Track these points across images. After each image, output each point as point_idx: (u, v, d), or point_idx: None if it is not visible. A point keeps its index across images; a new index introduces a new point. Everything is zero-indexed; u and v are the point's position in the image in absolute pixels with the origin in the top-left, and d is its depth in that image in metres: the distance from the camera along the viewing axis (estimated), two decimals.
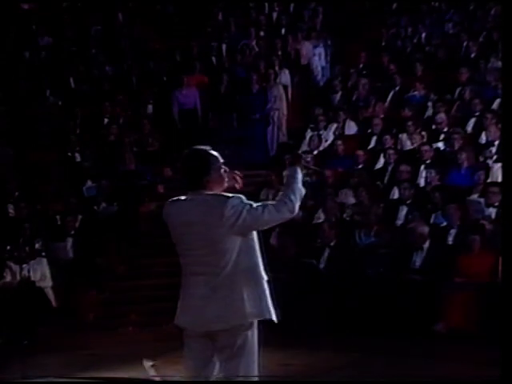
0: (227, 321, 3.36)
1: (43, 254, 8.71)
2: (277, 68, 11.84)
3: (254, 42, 12.69)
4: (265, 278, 3.48)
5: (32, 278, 8.18)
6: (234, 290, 3.35)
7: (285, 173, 3.59)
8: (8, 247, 8.57)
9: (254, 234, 3.46)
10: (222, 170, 3.47)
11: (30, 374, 6.10)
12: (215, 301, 3.35)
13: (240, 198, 3.39)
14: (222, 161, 3.48)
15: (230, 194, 3.42)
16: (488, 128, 9.45)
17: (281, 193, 3.52)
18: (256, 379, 3.43)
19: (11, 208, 9.61)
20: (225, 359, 3.40)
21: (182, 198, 3.50)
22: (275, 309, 3.49)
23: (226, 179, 3.50)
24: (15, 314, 7.84)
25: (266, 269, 3.51)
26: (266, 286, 3.47)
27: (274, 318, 3.47)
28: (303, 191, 3.48)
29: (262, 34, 12.91)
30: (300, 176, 3.49)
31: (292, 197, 3.41)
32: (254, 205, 3.40)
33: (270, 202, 3.46)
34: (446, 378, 5.72)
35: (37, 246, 8.82)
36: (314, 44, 12.45)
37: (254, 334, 3.43)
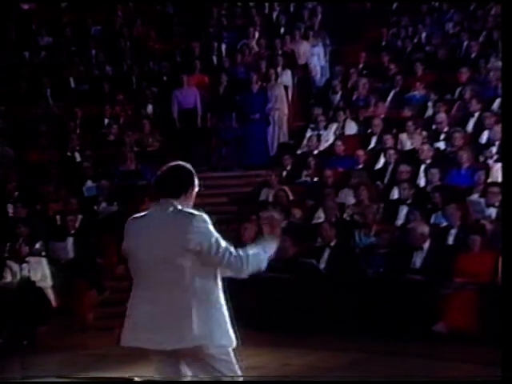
0: (178, 341, 3.28)
1: (43, 253, 8.70)
2: (279, 68, 11.83)
3: (253, 42, 12.68)
4: (221, 303, 3.38)
5: (32, 278, 8.17)
6: (186, 311, 3.28)
7: (264, 234, 3.51)
8: (7, 247, 8.56)
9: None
10: (195, 191, 3.51)
11: (30, 374, 6.10)
12: (168, 318, 3.29)
13: (207, 221, 3.34)
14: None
15: (197, 213, 3.37)
16: (488, 128, 9.45)
17: (249, 251, 3.41)
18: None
19: (11, 208, 9.61)
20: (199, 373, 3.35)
21: (146, 212, 3.50)
22: (234, 333, 3.39)
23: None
24: (15, 314, 7.83)
25: (225, 293, 3.43)
26: (221, 311, 3.36)
27: (226, 343, 3.35)
28: (263, 266, 3.44)
29: (262, 33, 12.90)
30: (271, 252, 3.46)
31: (251, 265, 3.38)
32: (220, 240, 3.34)
33: (232, 250, 3.38)
34: (445, 378, 5.72)
35: (37, 245, 8.81)
36: (312, 44, 12.45)
37: (220, 357, 3.33)
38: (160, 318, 3.31)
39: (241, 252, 3.40)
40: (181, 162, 3.57)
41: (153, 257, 3.35)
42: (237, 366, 3.39)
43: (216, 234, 3.36)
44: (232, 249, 3.39)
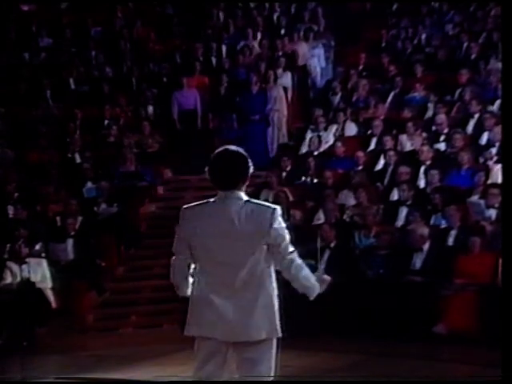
0: (248, 333, 3.33)
1: (43, 255, 8.70)
2: (279, 69, 11.84)
3: (253, 43, 12.69)
4: (275, 294, 3.48)
5: (32, 279, 8.17)
6: (256, 303, 3.33)
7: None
8: (7, 248, 8.56)
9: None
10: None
11: (30, 375, 6.09)
12: (238, 310, 3.32)
13: (280, 212, 3.38)
14: None
15: (275, 206, 3.39)
16: (488, 129, 9.46)
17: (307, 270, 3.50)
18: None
19: (11, 209, 9.61)
20: (243, 370, 3.37)
21: (212, 201, 3.41)
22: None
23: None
24: (15, 315, 7.83)
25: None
26: (277, 303, 3.48)
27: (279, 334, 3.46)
28: (311, 291, 3.52)
29: (262, 35, 12.90)
30: (318, 288, 3.53)
31: (305, 280, 3.48)
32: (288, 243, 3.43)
33: (297, 256, 3.48)
34: (445, 379, 5.72)
35: (37, 247, 8.81)
36: (312, 45, 12.45)
37: (274, 350, 3.43)
38: (230, 309, 3.31)
39: (303, 264, 3.46)
40: (234, 148, 3.44)
41: (229, 248, 3.31)
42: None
43: (287, 235, 3.41)
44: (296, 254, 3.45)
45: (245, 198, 3.38)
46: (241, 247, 3.32)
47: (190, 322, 3.41)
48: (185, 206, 3.46)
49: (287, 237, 3.40)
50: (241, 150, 3.45)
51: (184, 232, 3.42)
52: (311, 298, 3.51)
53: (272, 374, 3.40)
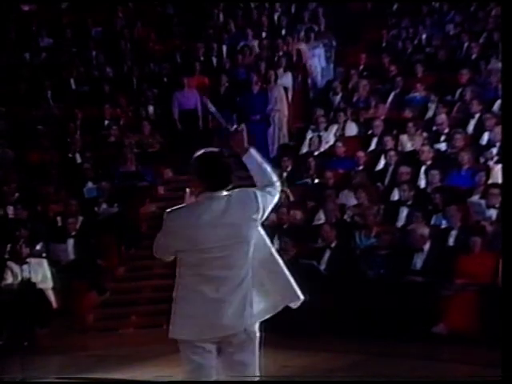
0: (242, 322, 3.32)
1: (44, 255, 8.71)
2: (280, 69, 11.84)
3: (254, 43, 12.69)
4: (279, 263, 3.49)
5: (32, 279, 8.17)
6: (249, 291, 3.34)
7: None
8: (8, 248, 8.57)
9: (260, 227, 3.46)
10: None
11: (30, 375, 6.10)
12: (234, 303, 3.30)
13: (255, 190, 3.46)
14: None
15: (248, 189, 3.45)
16: (489, 129, 9.46)
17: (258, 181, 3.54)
18: (257, 379, 3.41)
19: (11, 210, 9.62)
20: (228, 360, 3.36)
21: (190, 205, 3.42)
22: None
23: None
24: (15, 315, 7.84)
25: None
26: (281, 271, 3.48)
27: (295, 302, 3.54)
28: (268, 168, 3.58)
29: (262, 35, 12.91)
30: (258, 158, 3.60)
31: (272, 176, 3.56)
32: (264, 192, 3.49)
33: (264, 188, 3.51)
34: (445, 379, 5.72)
35: (37, 247, 8.82)
36: (312, 45, 12.46)
37: (258, 334, 3.44)
38: (224, 305, 3.30)
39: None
40: (217, 151, 3.49)
41: (221, 242, 3.30)
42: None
43: (260, 192, 3.45)
44: (266, 189, 3.51)
45: (225, 192, 3.43)
46: (232, 242, 3.33)
47: (179, 324, 3.36)
48: (168, 210, 3.42)
49: (266, 196, 3.47)
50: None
51: (170, 236, 3.38)
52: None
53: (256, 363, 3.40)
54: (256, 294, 3.37)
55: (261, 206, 3.39)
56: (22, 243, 8.42)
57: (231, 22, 13.24)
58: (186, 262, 3.37)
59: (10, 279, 8.17)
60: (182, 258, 3.39)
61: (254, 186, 3.56)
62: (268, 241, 3.47)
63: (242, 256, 3.34)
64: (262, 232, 3.47)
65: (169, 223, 3.38)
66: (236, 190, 3.43)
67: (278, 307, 3.47)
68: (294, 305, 3.55)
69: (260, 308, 3.39)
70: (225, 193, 3.41)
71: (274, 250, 3.49)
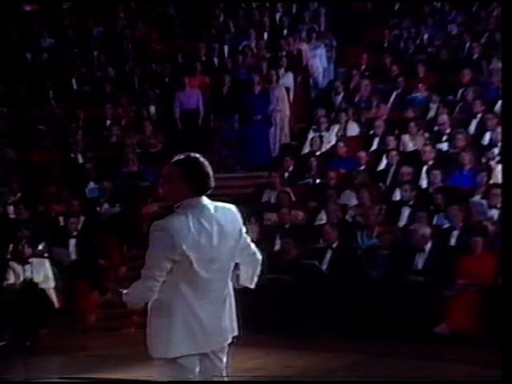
0: (231, 332, 3.35)
1: (46, 255, 8.73)
2: (282, 70, 11.85)
3: (255, 44, 12.71)
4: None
5: (35, 279, 8.20)
6: (232, 301, 3.37)
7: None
8: (10, 248, 8.59)
9: None
10: None
11: (33, 375, 6.12)
12: (225, 314, 3.32)
13: None
14: None
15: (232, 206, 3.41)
16: (490, 129, 9.46)
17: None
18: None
19: (12, 210, 9.64)
20: (207, 365, 3.33)
21: (181, 211, 3.25)
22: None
23: None
24: (17, 315, 7.86)
25: None
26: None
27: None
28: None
29: (264, 35, 12.92)
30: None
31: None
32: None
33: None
34: (445, 379, 5.73)
35: (40, 247, 8.84)
36: (314, 45, 12.46)
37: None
38: (220, 316, 3.30)
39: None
40: (196, 154, 3.35)
41: (215, 255, 3.25)
42: None
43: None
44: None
45: (209, 201, 3.34)
46: (225, 251, 3.29)
47: (176, 342, 3.22)
48: (157, 222, 3.24)
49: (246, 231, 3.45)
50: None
51: (167, 247, 3.18)
52: (248, 285, 3.50)
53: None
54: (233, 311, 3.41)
55: (242, 232, 3.38)
56: (24, 243, 8.44)
57: (233, 23, 13.25)
58: (179, 276, 3.24)
59: (12, 279, 8.19)
60: (175, 272, 3.24)
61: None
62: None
63: (228, 270, 3.33)
64: None
65: (175, 233, 3.19)
66: (217, 202, 3.36)
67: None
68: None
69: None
70: (206, 199, 3.31)
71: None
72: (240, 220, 3.37)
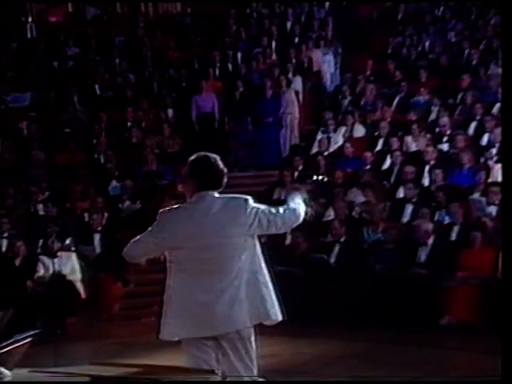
0: (234, 323, 3.26)
1: (73, 249, 8.79)
2: (290, 75, 11.86)
3: (267, 51, 12.72)
4: (267, 280, 3.39)
5: (63, 272, 8.25)
6: (238, 293, 3.27)
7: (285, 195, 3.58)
8: (40, 243, 8.66)
9: (256, 239, 3.38)
10: None
11: (61, 361, 6.16)
12: (222, 303, 3.24)
13: (252, 200, 3.38)
14: None
15: (243, 196, 3.38)
16: (489, 131, 9.44)
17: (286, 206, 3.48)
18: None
19: (42, 207, 9.72)
20: (227, 362, 3.31)
21: (184, 204, 3.36)
22: (280, 307, 3.43)
23: None
24: (48, 306, 7.92)
25: (269, 271, 3.44)
26: (267, 287, 3.38)
27: (276, 318, 3.40)
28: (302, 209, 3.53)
29: (272, 43, 12.93)
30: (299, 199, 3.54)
31: (301, 211, 3.53)
32: (268, 208, 3.38)
33: (281, 209, 3.41)
34: (449, 366, 5.72)
35: (67, 241, 8.90)
36: (323, 52, 12.47)
37: (252, 338, 3.37)
38: (215, 303, 3.24)
39: (284, 207, 3.46)
40: (208, 153, 3.41)
41: (213, 242, 3.25)
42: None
43: (262, 206, 3.37)
44: (279, 209, 3.42)
45: (218, 195, 3.37)
46: (216, 242, 3.26)
47: (169, 324, 3.30)
48: (161, 210, 3.40)
49: (266, 211, 3.35)
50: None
51: (164, 234, 3.31)
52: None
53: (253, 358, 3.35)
54: (248, 301, 3.30)
55: (251, 214, 3.29)
56: (53, 238, 8.51)
57: (245, 31, 13.27)
58: (175, 263, 3.32)
59: (42, 272, 8.26)
60: (172, 259, 3.33)
61: (246, 193, 3.46)
62: (261, 257, 3.38)
63: (229, 260, 3.26)
64: (258, 246, 3.38)
65: (164, 221, 3.34)
66: (231, 195, 3.39)
67: (261, 319, 3.36)
68: (269, 322, 3.41)
69: (252, 313, 3.32)
70: (217, 194, 3.34)
71: (263, 267, 3.38)
72: (245, 206, 3.30)
